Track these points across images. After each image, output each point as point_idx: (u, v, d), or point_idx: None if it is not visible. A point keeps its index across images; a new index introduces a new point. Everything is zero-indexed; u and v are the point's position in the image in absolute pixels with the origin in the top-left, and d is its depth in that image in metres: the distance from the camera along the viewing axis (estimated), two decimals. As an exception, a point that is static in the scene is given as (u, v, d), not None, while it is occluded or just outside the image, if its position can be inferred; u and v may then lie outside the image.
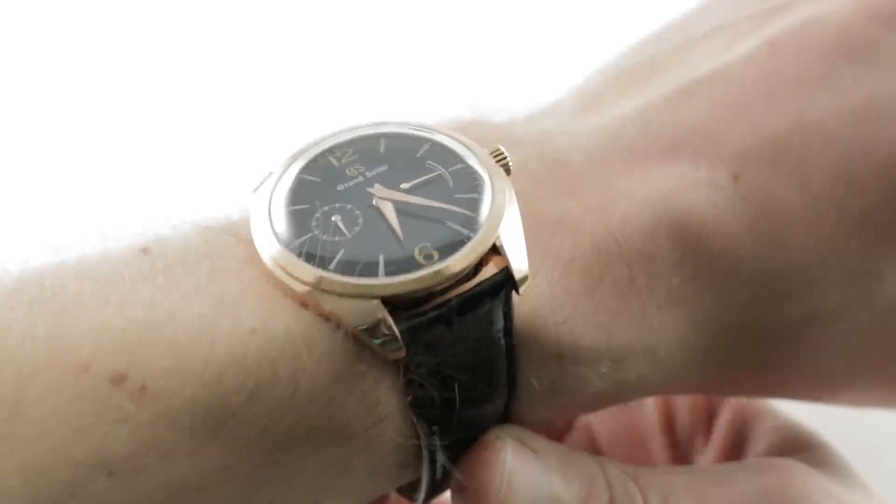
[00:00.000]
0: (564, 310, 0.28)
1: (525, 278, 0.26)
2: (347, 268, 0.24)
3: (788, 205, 0.30)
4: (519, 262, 0.26)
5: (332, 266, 0.24)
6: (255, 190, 0.27)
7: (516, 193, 0.28)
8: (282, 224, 0.26)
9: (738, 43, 0.33)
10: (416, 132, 0.28)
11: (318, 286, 0.24)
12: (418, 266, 0.25)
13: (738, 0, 0.36)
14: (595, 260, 0.29)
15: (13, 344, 0.22)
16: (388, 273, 0.24)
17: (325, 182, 0.27)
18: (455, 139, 0.28)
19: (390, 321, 0.24)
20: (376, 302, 0.24)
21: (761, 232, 0.30)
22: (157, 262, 0.25)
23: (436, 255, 0.25)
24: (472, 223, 0.26)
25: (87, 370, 0.22)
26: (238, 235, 0.26)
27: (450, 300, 0.25)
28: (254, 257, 0.26)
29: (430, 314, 0.25)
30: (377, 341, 0.24)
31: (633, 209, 0.30)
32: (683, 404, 0.37)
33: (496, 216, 0.26)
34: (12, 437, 0.21)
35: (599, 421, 0.38)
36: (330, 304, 0.24)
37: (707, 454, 0.36)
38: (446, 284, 0.25)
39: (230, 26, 0.70)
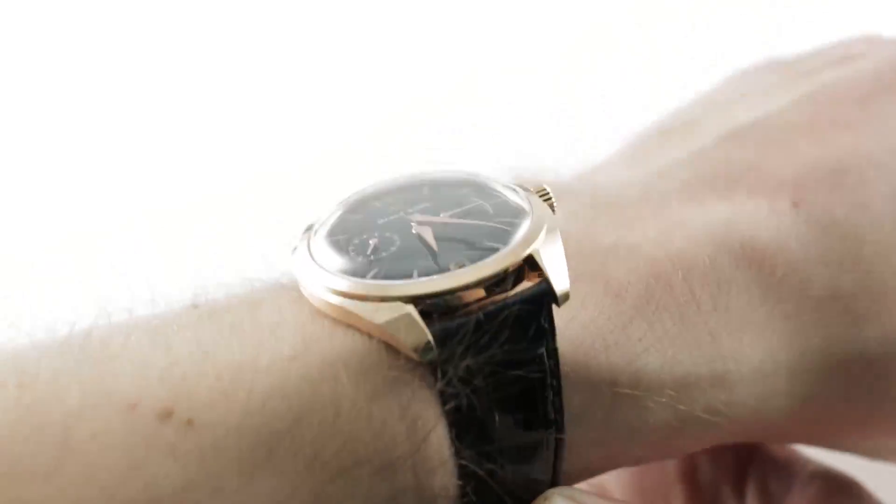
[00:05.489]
0: (615, 335, 0.27)
1: (566, 294, 0.25)
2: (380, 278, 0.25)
3: (853, 225, 0.30)
4: (558, 277, 0.25)
5: (367, 278, 0.25)
6: (295, 249, 0.28)
7: (566, 230, 0.27)
8: (320, 252, 0.26)
9: (775, 98, 0.36)
10: (461, 176, 0.29)
11: (348, 294, 0.24)
12: (448, 271, 0.25)
13: (765, 71, 0.40)
14: (653, 284, 0.28)
15: (60, 388, 0.22)
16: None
17: (366, 217, 0.27)
18: (499, 182, 0.29)
19: (418, 318, 0.24)
20: (406, 302, 0.24)
21: (828, 253, 0.30)
22: (203, 311, 0.26)
23: (467, 265, 0.25)
24: (506, 237, 0.26)
25: (135, 408, 0.22)
26: (284, 284, 0.27)
27: (484, 307, 0.24)
28: (296, 297, 0.26)
29: (462, 318, 0.24)
30: (409, 342, 0.24)
31: (691, 236, 0.29)
32: (706, 453, 0.36)
33: (533, 232, 0.26)
34: (62, 477, 0.21)
35: (612, 476, 0.37)
36: (359, 308, 0.24)
37: None
38: (475, 289, 0.24)
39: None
